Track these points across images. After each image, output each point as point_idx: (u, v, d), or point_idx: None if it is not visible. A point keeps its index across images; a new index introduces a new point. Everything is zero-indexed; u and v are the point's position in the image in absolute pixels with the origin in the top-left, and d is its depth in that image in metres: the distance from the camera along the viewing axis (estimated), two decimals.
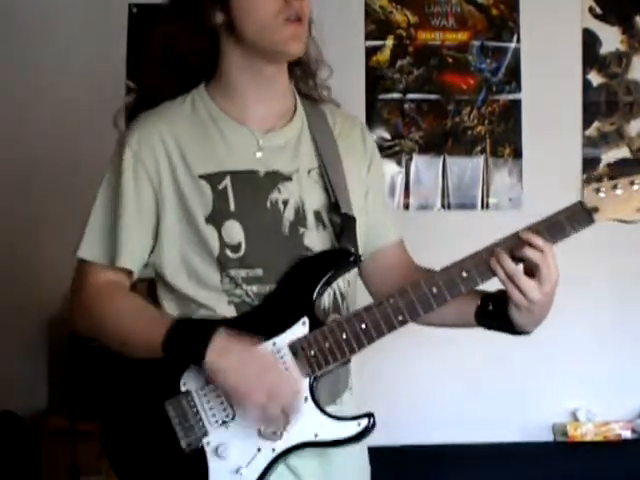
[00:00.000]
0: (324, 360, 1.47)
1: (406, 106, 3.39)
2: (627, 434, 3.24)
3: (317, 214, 1.57)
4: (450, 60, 3.43)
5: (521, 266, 1.49)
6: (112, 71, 3.35)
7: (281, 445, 1.45)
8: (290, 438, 1.45)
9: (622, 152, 3.41)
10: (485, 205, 3.40)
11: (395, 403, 3.19)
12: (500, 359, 3.33)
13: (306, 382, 1.46)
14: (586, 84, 3.41)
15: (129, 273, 1.55)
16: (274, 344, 1.47)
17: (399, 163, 3.37)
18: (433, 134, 3.41)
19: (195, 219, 1.52)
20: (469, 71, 3.43)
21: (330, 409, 1.49)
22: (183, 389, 1.47)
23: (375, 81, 3.39)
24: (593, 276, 3.34)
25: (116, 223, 1.53)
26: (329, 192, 1.57)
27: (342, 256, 1.54)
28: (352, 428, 1.47)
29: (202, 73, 1.59)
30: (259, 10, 1.48)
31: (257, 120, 1.57)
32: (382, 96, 3.39)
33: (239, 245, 1.51)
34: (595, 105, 3.42)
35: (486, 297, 1.56)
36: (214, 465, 1.45)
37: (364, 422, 1.47)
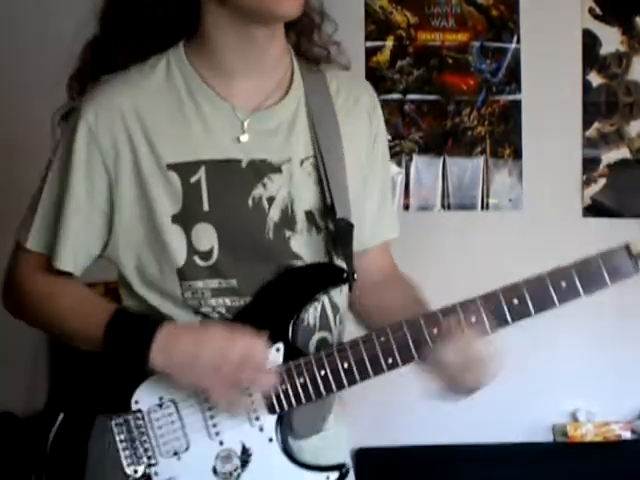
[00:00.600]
0: (295, 398, 1.27)
1: (406, 107, 3.39)
2: (627, 435, 3.24)
3: (309, 215, 1.33)
4: (450, 61, 3.43)
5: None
6: None
7: None
8: None
9: (622, 153, 3.41)
10: (485, 206, 3.39)
11: (393, 403, 3.19)
12: (500, 359, 3.33)
13: (273, 420, 1.27)
14: (586, 85, 3.41)
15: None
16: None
17: (399, 164, 3.37)
18: (433, 135, 3.41)
19: (158, 218, 1.27)
20: (469, 72, 3.42)
21: (309, 443, 1.34)
22: (134, 407, 1.29)
23: (375, 81, 3.36)
24: None
25: (60, 214, 1.30)
26: (324, 190, 1.32)
27: (332, 274, 1.32)
28: None
29: (177, 30, 1.30)
30: None
31: (243, 96, 1.29)
32: (382, 97, 3.38)
33: (210, 251, 1.28)
34: (595, 106, 3.42)
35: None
36: None
37: (334, 476, 1.29)
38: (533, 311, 1.29)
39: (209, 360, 1.21)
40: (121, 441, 1.28)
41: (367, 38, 3.40)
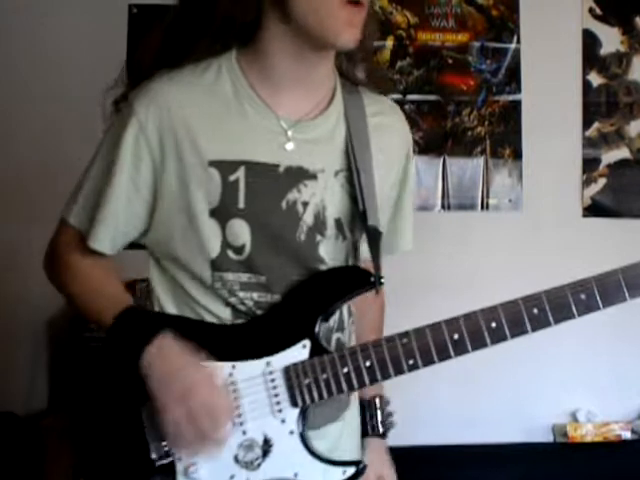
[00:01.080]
0: (317, 392, 1.33)
1: (406, 107, 3.39)
2: (627, 435, 3.24)
3: (338, 222, 1.40)
4: (450, 61, 3.43)
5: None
6: (112, 71, 3.35)
7: (257, 477, 1.32)
8: (267, 471, 1.32)
9: (622, 153, 3.41)
10: (485, 206, 3.39)
11: (393, 404, 3.19)
12: (500, 359, 3.32)
13: (295, 413, 1.33)
14: (586, 85, 3.41)
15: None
16: (268, 364, 1.33)
17: None
18: (433, 135, 3.41)
19: (196, 210, 1.34)
20: (469, 72, 3.43)
21: (328, 432, 1.40)
22: None
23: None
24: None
25: (102, 198, 1.37)
26: (357, 199, 1.38)
27: (361, 278, 1.37)
28: (336, 475, 1.35)
29: (233, 38, 1.37)
30: None
31: (288, 106, 1.36)
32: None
33: (243, 247, 1.34)
34: (595, 106, 3.42)
35: (364, 402, 1.55)
36: None
37: (350, 471, 1.35)
38: (552, 321, 1.32)
39: (182, 384, 1.28)
40: (148, 426, 1.33)
41: None
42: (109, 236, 1.38)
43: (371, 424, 1.54)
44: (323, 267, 1.38)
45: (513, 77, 3.42)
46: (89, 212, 1.39)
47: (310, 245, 1.37)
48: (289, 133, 1.36)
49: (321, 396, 1.33)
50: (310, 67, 1.37)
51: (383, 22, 3.41)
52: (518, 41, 3.42)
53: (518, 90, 3.42)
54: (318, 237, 1.37)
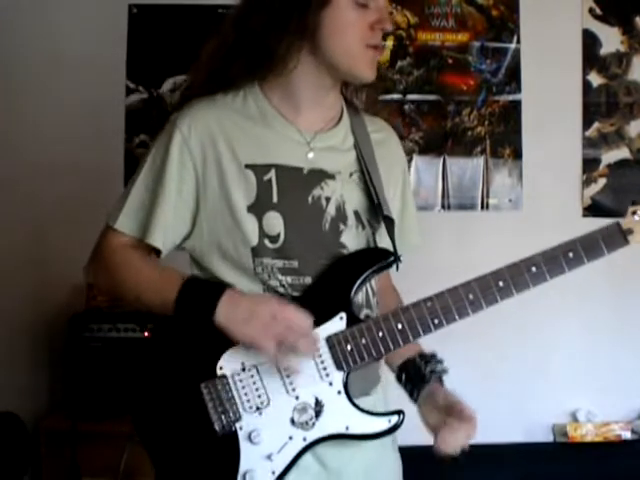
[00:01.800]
0: (359, 356, 1.51)
1: (406, 107, 3.40)
2: (627, 435, 3.24)
3: (356, 214, 1.61)
4: (450, 61, 3.43)
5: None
6: (112, 71, 3.35)
7: (312, 435, 1.50)
8: (322, 428, 1.50)
9: (622, 153, 3.41)
10: (485, 206, 3.40)
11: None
12: (500, 360, 3.33)
13: (340, 375, 1.51)
14: (586, 85, 3.42)
15: (156, 252, 1.59)
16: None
17: None
18: (433, 135, 3.41)
19: (236, 208, 1.54)
20: (469, 72, 3.43)
21: (365, 401, 1.56)
22: (219, 373, 1.51)
23: (375, 82, 3.39)
24: (592, 277, 3.34)
25: (154, 202, 1.56)
26: (371, 194, 1.62)
27: (382, 255, 1.59)
28: (383, 424, 1.54)
29: (260, 68, 1.59)
30: (347, 34, 1.53)
31: (307, 122, 1.61)
32: (382, 97, 3.39)
33: (278, 236, 1.55)
34: (595, 106, 3.42)
35: (406, 364, 1.65)
36: (246, 449, 1.50)
37: (394, 419, 1.54)
38: (548, 277, 1.54)
39: (262, 318, 1.45)
40: (209, 401, 1.50)
41: None
42: (162, 235, 1.56)
43: (420, 376, 1.66)
44: (345, 252, 1.59)
45: (513, 77, 3.43)
46: (141, 216, 1.58)
47: (334, 233, 1.58)
48: (311, 144, 1.60)
49: (362, 359, 1.51)
50: (325, 93, 1.62)
51: None
52: (518, 41, 3.42)
53: (518, 90, 3.42)
54: (341, 226, 1.59)
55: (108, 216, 1.61)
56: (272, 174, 1.56)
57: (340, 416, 1.51)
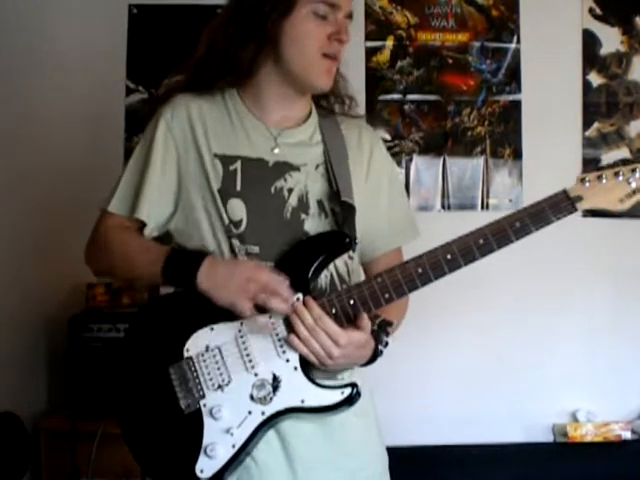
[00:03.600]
0: None
1: (406, 107, 3.40)
2: (627, 435, 3.24)
3: (320, 203, 1.71)
4: (450, 61, 3.43)
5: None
6: (112, 71, 3.35)
7: (270, 409, 1.58)
8: (279, 402, 1.58)
9: (622, 153, 3.41)
10: (485, 206, 3.40)
11: (393, 404, 3.19)
12: (500, 359, 3.33)
13: (296, 353, 1.58)
14: (586, 85, 3.42)
15: (144, 226, 1.70)
16: (270, 317, 1.59)
17: (399, 164, 3.37)
18: (433, 135, 3.41)
19: (212, 188, 1.67)
20: (469, 72, 3.43)
21: (327, 382, 1.61)
22: (186, 355, 1.62)
23: (375, 82, 3.39)
24: (592, 276, 3.34)
25: (142, 181, 1.70)
26: (332, 183, 1.70)
27: (337, 238, 1.65)
28: (336, 396, 1.58)
29: (231, 75, 1.72)
30: (307, 45, 1.65)
31: (275, 119, 1.73)
32: (382, 97, 3.39)
33: (240, 222, 1.66)
34: (595, 106, 3.42)
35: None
36: (208, 425, 1.59)
37: (347, 391, 1.58)
38: (496, 247, 1.61)
39: (238, 280, 1.56)
40: (176, 380, 1.61)
41: (367, 38, 3.41)
42: (148, 208, 1.69)
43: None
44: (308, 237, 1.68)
45: (513, 77, 3.43)
46: (130, 195, 1.72)
47: (295, 222, 1.68)
48: (277, 140, 1.71)
49: None
50: (291, 100, 1.74)
51: (383, 22, 3.42)
52: (518, 41, 3.42)
53: (518, 90, 3.42)
54: (302, 216, 1.69)
55: (103, 201, 1.75)
56: (237, 165, 1.69)
57: (296, 390, 1.58)
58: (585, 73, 3.41)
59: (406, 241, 1.85)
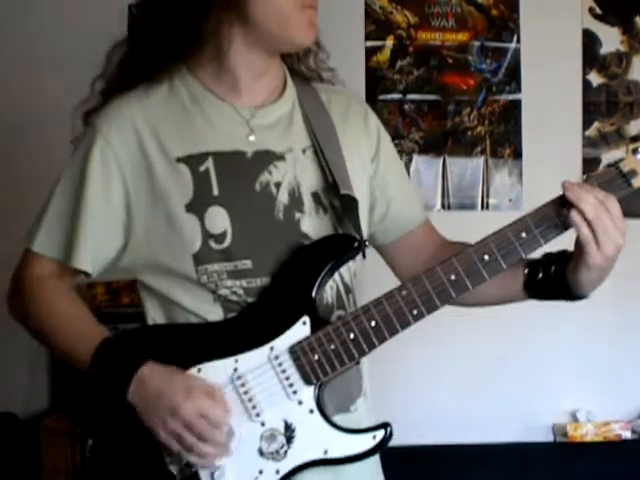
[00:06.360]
0: (330, 365, 1.30)
1: (406, 107, 3.39)
2: (627, 434, 3.24)
3: (315, 196, 1.41)
4: (450, 60, 3.43)
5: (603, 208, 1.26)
6: None
7: (286, 465, 1.29)
8: (296, 456, 1.29)
9: (622, 153, 3.40)
10: (485, 206, 3.40)
11: (392, 403, 3.19)
12: (500, 359, 3.33)
13: (310, 391, 1.30)
14: (586, 84, 3.41)
15: (84, 274, 1.40)
16: (271, 349, 1.31)
17: None
18: (433, 135, 3.41)
19: (173, 210, 1.35)
20: (469, 71, 3.43)
21: (343, 418, 1.35)
22: None
23: (375, 81, 3.39)
24: None
25: (77, 215, 1.37)
26: (326, 172, 1.41)
27: (344, 243, 1.37)
28: (367, 442, 1.30)
29: (185, 53, 1.41)
30: None
31: (247, 99, 1.41)
32: (382, 97, 3.39)
33: (224, 234, 1.35)
34: (595, 105, 3.42)
35: (533, 263, 1.39)
36: None
37: (380, 434, 1.31)
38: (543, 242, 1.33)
39: (163, 408, 1.26)
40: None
41: (367, 38, 3.41)
42: (90, 253, 1.37)
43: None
44: (308, 242, 1.38)
45: (513, 77, 3.42)
46: (62, 236, 1.38)
47: (290, 223, 1.38)
48: (250, 123, 1.40)
49: (334, 368, 1.31)
50: (265, 65, 1.42)
51: (383, 22, 3.42)
52: (518, 41, 3.42)
53: (518, 90, 3.42)
54: (297, 214, 1.39)
55: (26, 236, 1.43)
56: (209, 163, 1.36)
57: (316, 440, 1.29)
58: (585, 73, 3.41)
59: (425, 214, 1.61)
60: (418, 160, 3.40)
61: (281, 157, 1.40)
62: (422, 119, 3.40)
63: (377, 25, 3.42)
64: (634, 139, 1.29)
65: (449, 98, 3.41)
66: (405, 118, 3.39)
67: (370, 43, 3.41)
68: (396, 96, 3.40)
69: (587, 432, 3.23)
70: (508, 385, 3.32)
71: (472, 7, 3.43)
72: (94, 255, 1.38)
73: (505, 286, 1.41)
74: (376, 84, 3.39)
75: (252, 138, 1.40)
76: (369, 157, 1.51)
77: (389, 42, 3.41)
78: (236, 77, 1.41)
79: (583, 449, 3.21)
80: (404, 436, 3.21)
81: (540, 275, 1.39)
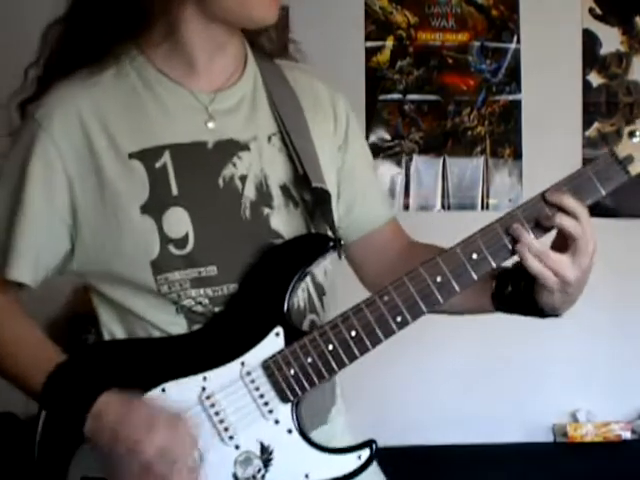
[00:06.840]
0: (307, 380, 1.20)
1: (406, 107, 3.39)
2: (627, 435, 3.24)
3: (284, 189, 1.29)
4: (450, 61, 3.43)
5: (547, 241, 1.20)
6: None
7: None
8: None
9: (622, 153, 3.40)
10: (485, 206, 3.40)
11: (392, 403, 3.19)
12: (500, 359, 3.33)
13: (287, 409, 1.19)
14: (586, 85, 3.41)
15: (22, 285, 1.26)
16: (242, 364, 1.20)
17: (399, 164, 3.37)
18: (433, 135, 3.41)
19: (126, 211, 1.21)
20: (469, 72, 3.42)
21: (321, 431, 1.26)
22: None
23: (375, 82, 3.39)
24: (592, 276, 3.33)
25: (14, 221, 1.22)
26: (295, 162, 1.28)
27: (318, 243, 1.25)
28: (351, 462, 1.20)
29: (133, 28, 1.25)
30: None
31: (205, 81, 1.27)
32: (382, 97, 3.39)
33: (185, 238, 1.21)
34: (595, 106, 3.42)
35: (503, 275, 1.29)
36: None
37: (365, 454, 1.20)
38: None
39: (121, 447, 1.14)
40: None
41: (367, 38, 3.40)
42: (30, 265, 1.24)
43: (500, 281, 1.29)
44: (280, 241, 1.26)
45: (513, 77, 3.42)
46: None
47: (258, 221, 1.26)
48: (209, 109, 1.26)
49: (312, 383, 1.20)
50: (223, 43, 1.28)
51: (383, 22, 3.41)
52: (518, 41, 3.42)
53: (518, 90, 3.42)
54: (266, 210, 1.26)
55: None
56: (166, 158, 1.22)
57: (296, 462, 1.18)
58: (585, 73, 3.41)
59: (391, 212, 1.46)
60: (418, 160, 3.40)
61: (245, 147, 1.27)
62: (422, 119, 3.40)
63: (377, 25, 3.42)
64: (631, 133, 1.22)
65: (449, 98, 3.41)
66: (405, 118, 3.39)
67: (370, 43, 3.41)
68: (396, 96, 3.40)
69: (587, 432, 3.23)
70: (508, 385, 3.32)
71: (472, 7, 3.43)
72: (37, 264, 1.24)
73: (472, 296, 1.29)
74: (376, 84, 3.39)
75: (211, 125, 1.25)
76: (336, 145, 1.38)
77: (389, 42, 3.41)
78: (192, 58, 1.26)
79: (583, 449, 3.20)
80: (404, 436, 3.21)
81: (509, 289, 1.29)
